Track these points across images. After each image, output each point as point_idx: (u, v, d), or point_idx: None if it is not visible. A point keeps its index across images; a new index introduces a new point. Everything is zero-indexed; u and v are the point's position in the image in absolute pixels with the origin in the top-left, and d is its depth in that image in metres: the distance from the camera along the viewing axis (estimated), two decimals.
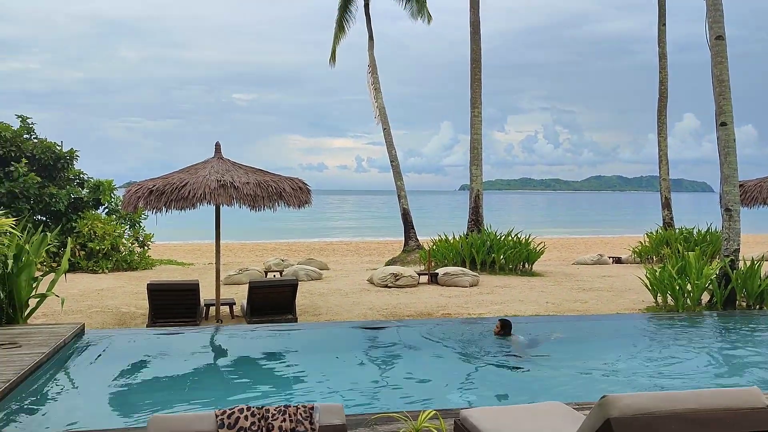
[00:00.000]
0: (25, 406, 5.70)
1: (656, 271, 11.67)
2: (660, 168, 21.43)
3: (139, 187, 10.39)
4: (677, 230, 20.48)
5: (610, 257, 22.81)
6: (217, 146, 11.35)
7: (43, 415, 5.59)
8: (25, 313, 8.86)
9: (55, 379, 6.58)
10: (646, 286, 11.98)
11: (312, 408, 2.69)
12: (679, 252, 15.44)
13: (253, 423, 2.57)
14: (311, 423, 2.62)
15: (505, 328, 8.70)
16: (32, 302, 9.07)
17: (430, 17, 26.22)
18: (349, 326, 9.73)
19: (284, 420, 2.60)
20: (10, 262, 8.42)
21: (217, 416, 2.59)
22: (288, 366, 7.61)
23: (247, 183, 10.38)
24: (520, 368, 7.55)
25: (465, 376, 7.25)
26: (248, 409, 2.63)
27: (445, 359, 7.88)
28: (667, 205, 21.52)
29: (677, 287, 11.10)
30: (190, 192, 10.03)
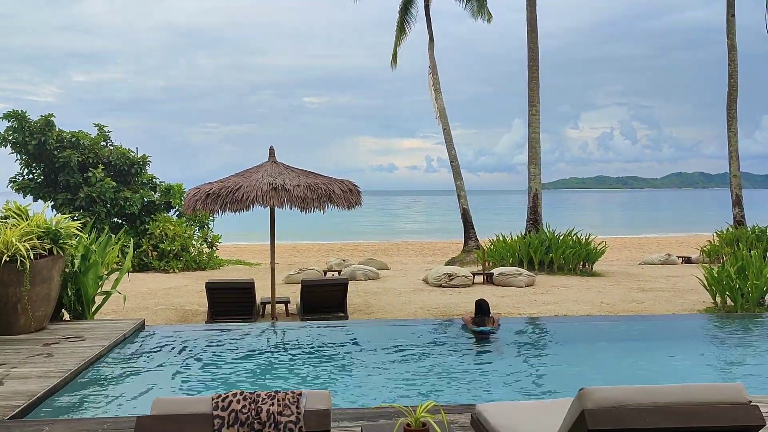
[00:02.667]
0: (83, 393, 6.22)
1: (714, 270, 11.31)
2: (730, 164, 20.59)
3: (198, 190, 10.94)
4: (749, 229, 19.63)
5: (679, 257, 22.08)
6: (271, 150, 11.79)
7: (94, 400, 6.08)
8: (92, 310, 9.51)
9: (112, 369, 7.10)
10: (704, 286, 11.63)
11: (300, 394, 2.92)
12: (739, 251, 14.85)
13: (244, 406, 2.82)
14: (297, 408, 2.85)
15: (480, 309, 8.79)
16: (98, 299, 9.73)
17: (490, 16, 26.12)
18: (392, 324, 9.94)
19: (272, 404, 2.84)
20: (77, 261, 9.08)
21: (213, 399, 2.86)
22: (331, 358, 7.89)
23: (298, 185, 10.75)
24: (544, 365, 7.68)
25: (491, 372, 7.38)
26: (241, 393, 2.88)
27: (475, 356, 8.01)
28: (738, 202, 20.66)
29: (736, 287, 10.73)
30: (243, 195, 10.49)
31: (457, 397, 6.26)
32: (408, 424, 3.51)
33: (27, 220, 8.35)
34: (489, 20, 26.08)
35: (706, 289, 11.55)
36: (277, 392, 2.92)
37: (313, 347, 8.45)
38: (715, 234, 20.30)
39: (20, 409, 5.34)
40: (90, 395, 6.21)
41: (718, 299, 11.35)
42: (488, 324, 8.76)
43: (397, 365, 7.59)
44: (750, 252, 11.86)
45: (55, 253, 8.29)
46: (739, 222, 20.49)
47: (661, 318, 10.41)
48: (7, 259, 7.70)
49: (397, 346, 8.37)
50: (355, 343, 8.79)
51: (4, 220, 8.43)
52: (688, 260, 21.67)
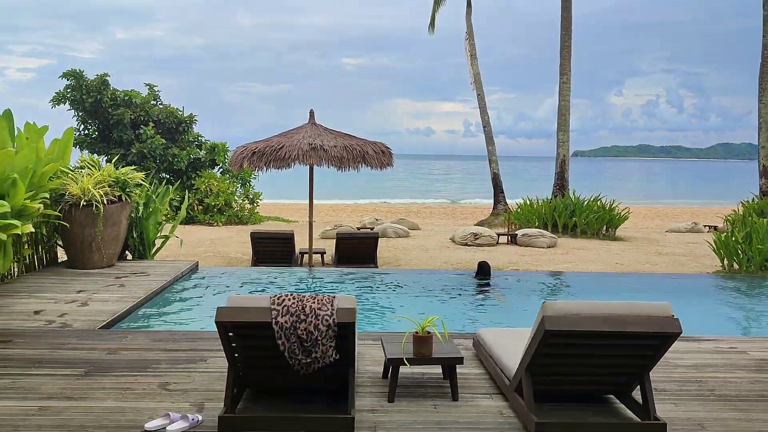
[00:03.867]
0: (152, 315, 7.44)
1: (722, 236, 12.04)
2: (760, 135, 20.89)
3: (244, 148, 12.03)
4: None
5: (706, 225, 22.55)
6: (311, 113, 12.77)
7: (163, 320, 7.29)
8: (152, 252, 10.77)
9: (175, 297, 8.34)
10: (714, 250, 12.37)
11: (333, 297, 3.95)
12: (749, 219, 15.46)
13: (293, 303, 3.86)
14: (332, 305, 3.88)
15: (482, 270, 9.73)
16: (157, 243, 10.99)
17: None
18: (416, 272, 11.02)
19: (314, 302, 3.88)
20: (140, 208, 10.30)
21: (270, 297, 3.91)
22: (360, 295, 9.04)
23: (335, 146, 11.74)
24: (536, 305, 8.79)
25: (490, 310, 8.47)
26: (292, 294, 3.93)
27: (477, 298, 9.08)
28: (765, 173, 21.00)
29: (740, 252, 11.47)
30: (285, 153, 11.54)
31: (461, 328, 7.35)
32: (416, 332, 4.55)
33: (99, 171, 9.56)
34: None
35: (715, 253, 12.28)
36: (317, 294, 3.96)
37: (344, 285, 9.59)
38: (740, 203, 20.72)
39: (106, 322, 6.56)
40: (159, 315, 7.45)
41: (726, 262, 12.08)
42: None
43: (416, 301, 8.70)
44: (762, 220, 12.50)
45: (123, 199, 9.51)
46: (765, 192, 20.86)
47: (663, 276, 11.27)
48: (84, 203, 8.93)
49: (416, 289, 9.47)
50: (381, 285, 9.89)
51: (80, 170, 9.66)
52: (714, 229, 22.13)
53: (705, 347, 6.01)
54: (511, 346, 4.79)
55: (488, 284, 9.96)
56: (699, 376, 5.17)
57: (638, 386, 4.12)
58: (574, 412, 4.26)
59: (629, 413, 4.25)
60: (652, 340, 3.90)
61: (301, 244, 13.67)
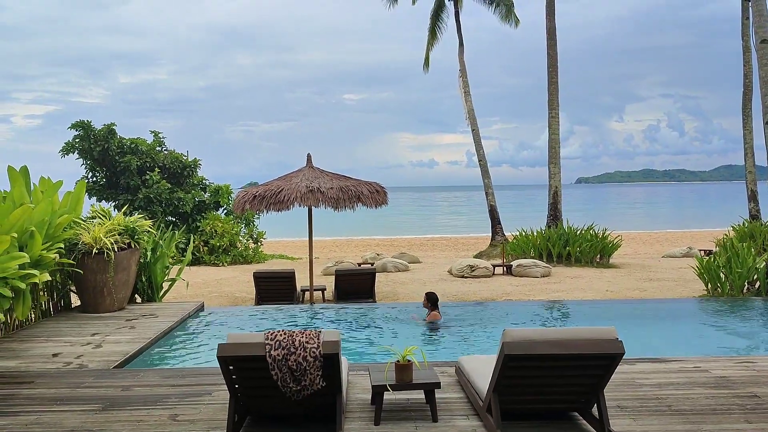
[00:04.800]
0: (161, 353, 7.99)
1: (704, 261, 12.55)
2: (746, 161, 21.52)
3: (246, 193, 12.70)
4: (764, 223, 20.49)
5: (700, 250, 23.02)
6: (309, 157, 13.46)
7: (172, 358, 7.84)
8: (160, 294, 11.35)
9: (183, 336, 8.88)
10: (698, 275, 12.86)
11: (320, 331, 4.52)
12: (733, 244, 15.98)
13: (284, 338, 4.43)
14: (318, 338, 4.45)
15: (429, 300, 10.10)
16: (165, 285, 11.57)
17: (518, 22, 27.35)
18: (414, 306, 11.55)
19: (302, 336, 4.45)
20: (148, 253, 10.91)
21: (264, 333, 4.49)
22: (357, 330, 9.57)
23: (331, 188, 12.39)
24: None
25: (469, 340, 9.01)
26: (283, 330, 4.50)
27: (475, 327, 9.58)
28: (753, 197, 21.58)
29: (722, 276, 11.97)
30: (285, 196, 12.19)
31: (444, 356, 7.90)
32: (398, 361, 5.10)
33: (110, 220, 10.20)
34: (516, 25, 27.32)
35: (699, 277, 12.78)
36: (305, 329, 4.54)
37: (341, 319, 10.13)
38: (731, 227, 21.22)
39: (119, 362, 7.11)
40: (168, 354, 8.01)
41: (710, 286, 12.57)
42: (431, 318, 10.01)
43: (406, 330, 9.23)
44: (743, 244, 13.00)
45: (133, 246, 10.13)
46: (754, 216, 21.39)
47: (647, 301, 11.82)
48: (96, 251, 9.55)
49: (408, 320, 9.99)
50: (375, 318, 10.42)
51: (92, 220, 10.31)
52: (708, 253, 22.59)
53: (671, 367, 6.51)
54: (484, 370, 5.32)
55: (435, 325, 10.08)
56: (660, 393, 5.67)
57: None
58: (538, 428, 4.78)
59: (590, 428, 4.77)
60: (600, 361, 4.44)
61: (303, 281, 14.24)
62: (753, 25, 12.14)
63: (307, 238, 13.60)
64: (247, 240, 23.56)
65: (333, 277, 16.64)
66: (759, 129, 15.30)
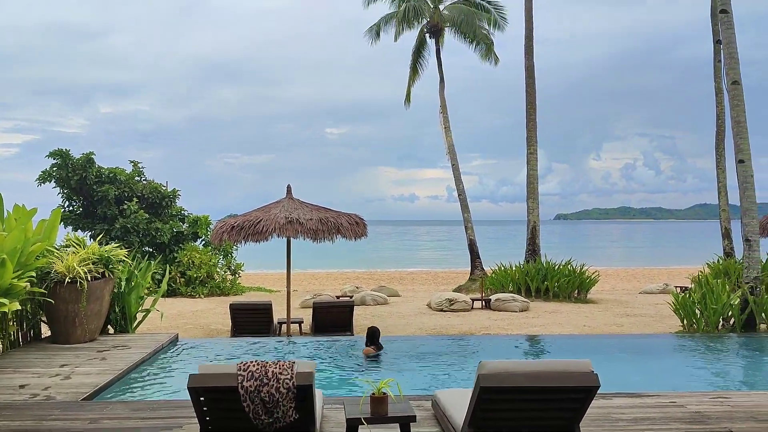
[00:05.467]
0: (132, 386, 7.81)
1: (680, 297, 12.66)
2: (719, 199, 21.93)
3: (224, 223, 12.63)
4: (738, 260, 20.80)
5: (676, 287, 23.26)
6: (288, 188, 13.45)
7: (143, 391, 7.66)
8: (134, 325, 11.15)
9: (155, 369, 8.70)
10: (674, 311, 12.96)
11: (293, 362, 4.46)
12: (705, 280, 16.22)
13: (257, 369, 4.35)
14: (291, 370, 4.38)
15: (367, 335, 10.01)
16: (139, 316, 11.38)
17: (497, 60, 27.85)
18: (392, 339, 11.47)
19: (276, 367, 4.37)
20: (123, 283, 10.75)
21: (237, 365, 4.41)
22: (330, 363, 9.45)
23: (311, 219, 12.37)
24: None
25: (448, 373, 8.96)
26: (256, 361, 4.43)
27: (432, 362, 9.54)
28: (727, 235, 21.94)
29: (697, 312, 12.08)
30: (263, 227, 12.13)
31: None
32: (373, 394, 5.03)
33: (84, 248, 10.05)
34: (496, 63, 27.82)
35: (675, 313, 12.88)
36: (279, 360, 4.47)
37: (319, 352, 10.01)
38: (706, 264, 21.51)
39: (88, 394, 6.94)
40: (139, 386, 7.82)
41: (686, 322, 12.66)
42: (372, 350, 9.99)
43: (384, 365, 9.14)
44: (717, 281, 13.16)
45: (107, 276, 9.97)
46: (728, 254, 21.71)
47: (624, 337, 11.88)
48: (69, 280, 9.38)
49: (387, 354, 9.91)
50: (354, 352, 10.32)
51: (65, 248, 10.15)
52: (684, 290, 22.82)
53: (647, 402, 6.50)
54: (461, 403, 5.27)
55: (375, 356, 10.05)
56: (636, 428, 5.64)
57: None
58: None
59: None
60: (576, 394, 4.42)
61: (280, 313, 14.08)
62: (725, 67, 12.43)
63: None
64: (225, 271, 23.32)
65: (311, 310, 16.56)
66: (732, 168, 15.69)
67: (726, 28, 12.69)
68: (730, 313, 12.28)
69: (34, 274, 9.06)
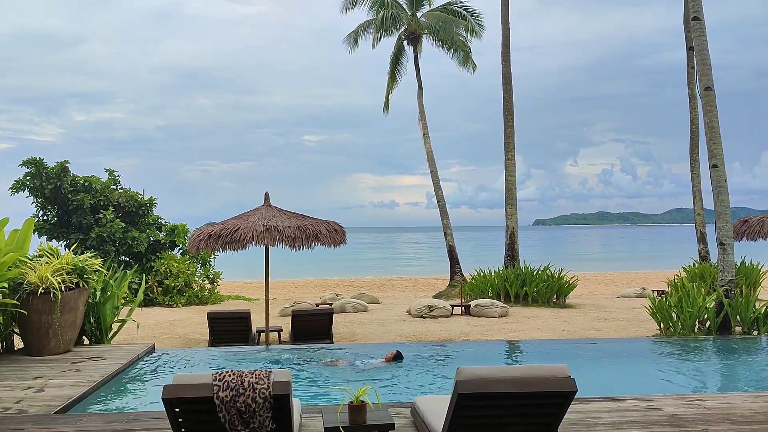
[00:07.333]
0: (107, 398, 7.68)
1: (656, 301, 12.79)
2: (694, 204, 22.25)
3: (201, 232, 12.50)
4: (713, 264, 21.07)
5: (654, 290, 23.50)
6: (266, 195, 13.37)
7: (118, 402, 7.54)
8: (109, 336, 10.98)
9: (130, 380, 8.56)
10: (651, 314, 13.08)
11: (270, 371, 4.41)
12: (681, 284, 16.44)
13: (233, 378, 4.30)
14: (268, 379, 4.33)
15: (396, 358, 10.04)
16: (114, 326, 11.21)
17: (475, 67, 28.04)
18: (372, 346, 11.42)
19: (252, 377, 4.32)
20: (98, 293, 10.58)
21: (213, 374, 4.35)
22: (311, 371, 9.39)
23: (289, 227, 12.29)
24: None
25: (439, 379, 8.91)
26: (232, 371, 4.37)
27: (432, 365, 9.49)
28: (702, 239, 22.25)
29: (674, 315, 12.21)
30: (241, 235, 12.03)
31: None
32: (351, 402, 5.00)
33: (58, 258, 9.89)
34: (474, 70, 28.01)
35: (652, 317, 13.00)
36: (255, 370, 4.42)
37: (296, 361, 9.94)
38: (682, 268, 21.77)
39: (61, 407, 6.80)
40: (114, 398, 7.70)
41: (662, 325, 12.78)
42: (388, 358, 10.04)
43: (361, 374, 9.10)
44: (693, 284, 13.32)
45: (81, 286, 9.81)
46: (704, 257, 22.02)
47: (602, 341, 11.98)
48: (42, 291, 9.22)
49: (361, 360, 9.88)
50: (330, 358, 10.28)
51: (38, 258, 9.97)
52: (661, 293, 23.07)
53: (625, 406, 6.54)
54: (439, 410, 5.25)
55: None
56: None
57: None
58: None
59: None
60: (553, 399, 4.43)
61: (259, 322, 13.97)
62: (698, 73, 12.62)
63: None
64: (203, 280, 23.10)
65: (290, 318, 16.46)
66: (706, 173, 15.95)
67: (698, 35, 12.89)
68: (705, 316, 12.43)
69: (6, 285, 8.88)
